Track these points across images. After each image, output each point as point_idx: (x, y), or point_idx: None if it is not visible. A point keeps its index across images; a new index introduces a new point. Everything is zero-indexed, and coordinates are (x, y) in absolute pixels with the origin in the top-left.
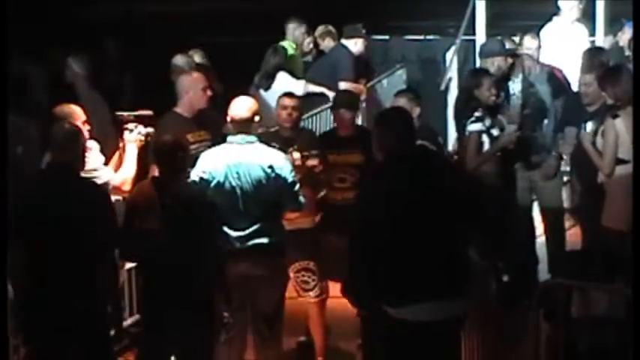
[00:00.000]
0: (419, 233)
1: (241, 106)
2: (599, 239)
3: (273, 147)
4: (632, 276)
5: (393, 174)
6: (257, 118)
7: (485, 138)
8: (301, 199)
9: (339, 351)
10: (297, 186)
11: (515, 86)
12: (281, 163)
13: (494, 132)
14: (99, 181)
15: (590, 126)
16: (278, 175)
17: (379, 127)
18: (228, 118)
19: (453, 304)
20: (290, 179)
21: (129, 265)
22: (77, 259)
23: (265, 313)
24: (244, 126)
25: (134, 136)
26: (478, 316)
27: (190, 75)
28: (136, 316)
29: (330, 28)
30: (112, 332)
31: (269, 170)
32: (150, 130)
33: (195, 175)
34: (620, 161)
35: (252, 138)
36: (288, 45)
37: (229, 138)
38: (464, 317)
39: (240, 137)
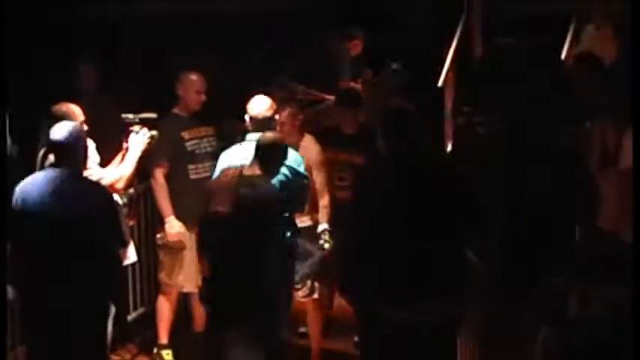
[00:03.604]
0: (415, 233)
1: (259, 105)
2: (596, 240)
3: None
4: (631, 276)
5: (391, 173)
6: (277, 117)
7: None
8: (305, 204)
9: (335, 350)
10: (308, 189)
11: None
12: (298, 160)
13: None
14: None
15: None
16: (296, 172)
17: (381, 127)
18: (247, 117)
19: (450, 305)
20: (305, 180)
21: (129, 261)
22: (81, 258)
23: None
24: (263, 125)
25: (141, 139)
26: (475, 317)
27: (189, 75)
28: (140, 310)
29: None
30: (118, 327)
31: (287, 167)
32: (154, 132)
33: (216, 172)
34: (608, 164)
35: None
36: None
37: (248, 136)
38: (460, 318)
39: (258, 136)
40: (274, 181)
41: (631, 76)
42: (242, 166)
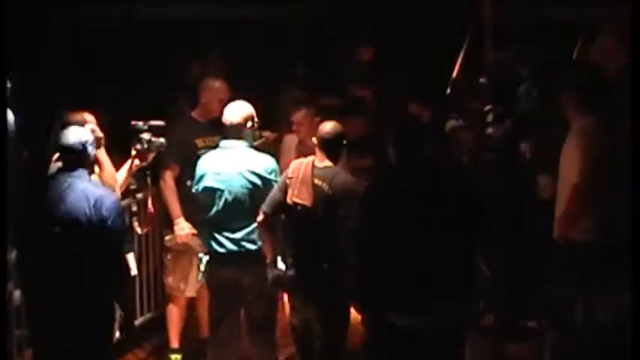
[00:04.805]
0: (426, 240)
1: (232, 112)
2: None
3: (265, 152)
4: (631, 277)
5: (401, 180)
6: (249, 124)
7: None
8: None
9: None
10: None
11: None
12: (270, 168)
13: None
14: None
15: None
16: (267, 180)
17: (391, 135)
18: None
19: (457, 312)
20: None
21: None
22: (86, 261)
23: (255, 320)
24: (235, 131)
25: (154, 147)
26: (482, 324)
27: (214, 82)
28: (147, 315)
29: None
30: (124, 332)
31: (257, 175)
32: (162, 140)
33: (196, 179)
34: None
35: (242, 143)
36: None
37: (221, 143)
38: (468, 325)
39: (230, 142)
40: (243, 190)
41: (631, 76)
42: (312, 158)
